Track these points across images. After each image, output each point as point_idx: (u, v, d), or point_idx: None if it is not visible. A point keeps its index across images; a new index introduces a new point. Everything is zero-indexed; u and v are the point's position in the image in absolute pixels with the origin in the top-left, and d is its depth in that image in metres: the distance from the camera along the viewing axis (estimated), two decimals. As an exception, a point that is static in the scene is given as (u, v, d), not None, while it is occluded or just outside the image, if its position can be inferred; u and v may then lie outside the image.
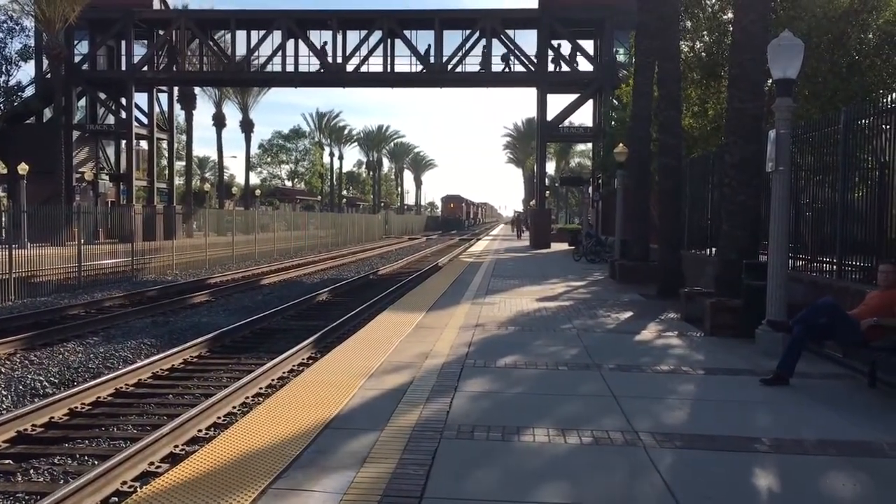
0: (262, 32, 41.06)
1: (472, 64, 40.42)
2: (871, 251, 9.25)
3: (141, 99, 43.85)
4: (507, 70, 40.01)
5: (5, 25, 39.84)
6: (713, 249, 14.25)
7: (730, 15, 18.38)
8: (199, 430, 7.99)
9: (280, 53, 40.44)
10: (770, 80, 11.30)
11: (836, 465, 5.18)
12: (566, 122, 40.98)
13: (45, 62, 40.16)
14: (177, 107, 49.10)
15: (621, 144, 22.06)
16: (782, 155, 9.04)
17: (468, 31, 40.00)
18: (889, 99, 9.15)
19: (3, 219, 27.06)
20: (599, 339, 10.32)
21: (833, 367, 8.34)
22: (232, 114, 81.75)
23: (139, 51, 42.53)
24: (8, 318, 15.89)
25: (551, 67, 39.34)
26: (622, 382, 7.55)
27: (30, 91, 42.19)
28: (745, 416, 6.43)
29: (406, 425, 5.91)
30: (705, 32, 20.04)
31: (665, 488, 4.66)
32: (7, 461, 7.23)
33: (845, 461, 5.26)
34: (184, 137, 55.00)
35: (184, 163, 56.97)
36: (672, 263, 16.11)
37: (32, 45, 41.05)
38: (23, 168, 31.68)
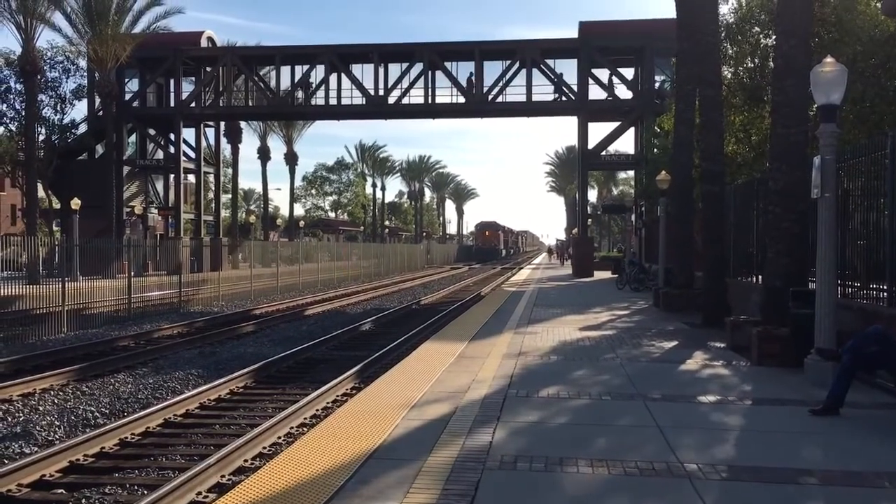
0: (305, 67, 41.86)
1: (513, 94, 40.64)
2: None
3: (189, 134, 44.94)
4: (555, 99, 40.10)
5: (61, 66, 41.30)
6: (759, 277, 14.04)
7: (772, 40, 18.27)
8: (245, 461, 8.08)
9: (323, 87, 41.16)
10: (814, 105, 11.22)
11: (889, 498, 5.05)
12: (608, 150, 40.88)
13: (97, 100, 41.43)
14: (223, 141, 50.15)
15: (663, 172, 21.92)
16: (828, 181, 8.91)
17: (508, 62, 40.27)
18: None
19: (56, 253, 27.81)
20: (643, 369, 10.21)
21: (885, 397, 8.14)
22: (277, 146, 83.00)
23: (187, 87, 43.66)
24: (61, 349, 16.29)
25: (592, 96, 39.37)
26: (667, 413, 7.46)
27: (82, 128, 43.53)
28: (794, 448, 6.31)
29: (449, 456, 5.92)
30: (748, 58, 19.92)
31: (711, 521, 4.59)
32: (60, 490, 7.39)
33: (899, 494, 5.13)
34: (230, 171, 56.14)
35: (230, 195, 58.02)
36: (717, 291, 15.89)
37: (85, 83, 42.41)
38: (75, 203, 32.61)
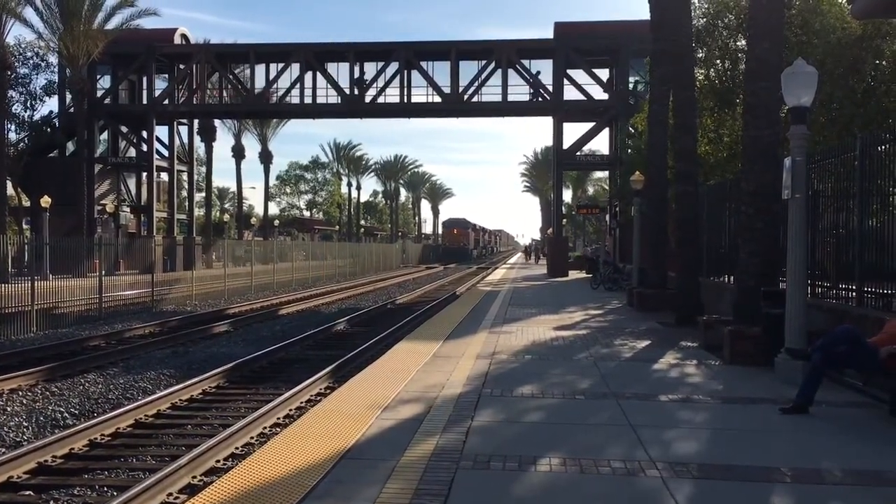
0: (280, 65, 41.57)
1: (490, 94, 40.68)
2: (891, 278, 9.18)
3: (162, 132, 44.46)
4: (530, 99, 40.21)
5: (31, 62, 40.66)
6: (732, 277, 14.18)
7: (741, 42, 18.45)
8: (218, 461, 8.02)
9: (298, 85, 40.92)
10: (786, 107, 11.36)
11: (857, 495, 5.12)
12: (583, 150, 41.06)
13: (69, 97, 40.87)
14: (197, 139, 49.68)
15: (638, 172, 22.07)
16: (798, 182, 9.01)
17: (484, 62, 40.30)
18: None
19: (26, 251, 27.43)
20: (617, 368, 10.27)
21: (854, 396, 8.24)
22: (251, 145, 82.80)
23: (160, 85, 43.18)
24: (30, 349, 16.06)
25: (567, 96, 39.51)
26: (640, 412, 7.51)
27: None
28: (764, 446, 6.37)
29: (422, 455, 5.91)
30: (718, 61, 20.11)
31: (683, 519, 4.63)
32: (27, 492, 7.29)
33: (866, 491, 5.20)
34: (204, 169, 55.67)
35: (204, 194, 57.51)
36: (690, 291, 16.02)
37: (56, 80, 41.79)
38: (45, 201, 32.14)
